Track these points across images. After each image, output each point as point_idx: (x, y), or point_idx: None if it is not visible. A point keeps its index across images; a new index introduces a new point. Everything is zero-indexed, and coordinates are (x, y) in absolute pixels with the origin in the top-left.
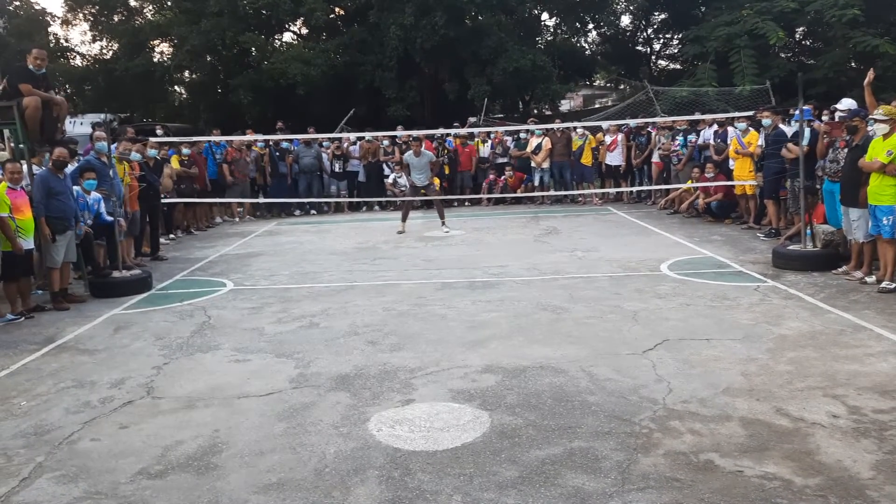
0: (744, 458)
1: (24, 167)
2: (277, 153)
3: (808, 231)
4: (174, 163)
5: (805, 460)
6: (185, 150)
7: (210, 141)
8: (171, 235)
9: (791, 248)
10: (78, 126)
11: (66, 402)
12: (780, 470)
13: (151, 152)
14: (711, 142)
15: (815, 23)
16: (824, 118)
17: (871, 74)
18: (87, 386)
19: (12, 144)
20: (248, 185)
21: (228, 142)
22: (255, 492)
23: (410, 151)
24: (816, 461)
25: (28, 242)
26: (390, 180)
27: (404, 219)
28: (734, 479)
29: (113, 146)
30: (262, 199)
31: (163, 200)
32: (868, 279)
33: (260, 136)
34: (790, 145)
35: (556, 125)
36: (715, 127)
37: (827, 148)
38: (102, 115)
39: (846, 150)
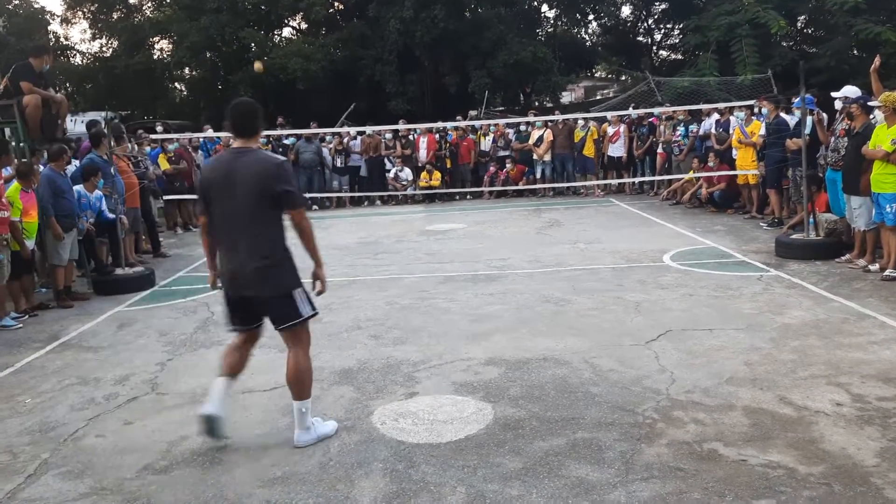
0: (747, 446)
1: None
2: (280, 149)
3: (811, 220)
4: (162, 161)
5: (809, 448)
6: (170, 147)
7: (204, 137)
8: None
9: (794, 237)
10: (79, 124)
11: (71, 399)
12: (783, 458)
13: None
14: (713, 131)
15: (817, 11)
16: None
17: (877, 60)
18: (92, 383)
19: (13, 143)
20: None
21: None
22: (259, 486)
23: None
24: (820, 449)
25: (30, 243)
26: (391, 175)
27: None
28: (738, 467)
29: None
30: None
31: (164, 198)
32: (871, 267)
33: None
34: (791, 140)
35: (557, 117)
36: (716, 116)
37: (829, 135)
38: (103, 113)
39: (846, 138)
